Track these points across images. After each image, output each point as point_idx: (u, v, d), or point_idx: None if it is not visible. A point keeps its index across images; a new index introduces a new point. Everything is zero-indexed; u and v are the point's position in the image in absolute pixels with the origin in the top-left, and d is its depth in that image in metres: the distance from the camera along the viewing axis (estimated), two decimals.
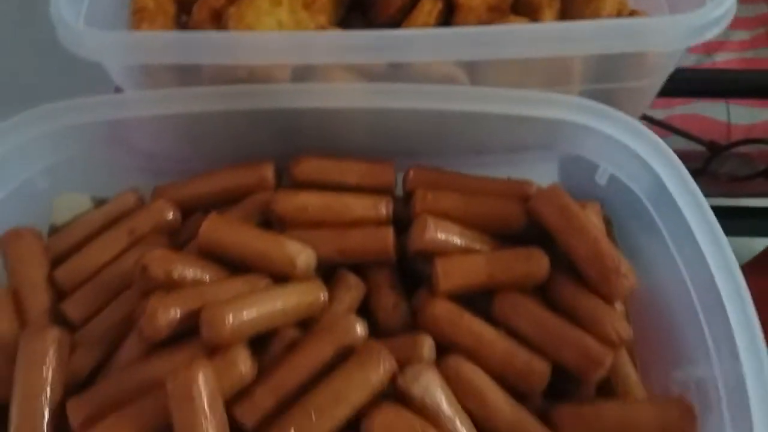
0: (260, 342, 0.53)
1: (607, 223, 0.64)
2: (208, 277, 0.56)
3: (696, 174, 0.87)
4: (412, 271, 0.63)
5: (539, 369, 0.53)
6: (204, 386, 0.45)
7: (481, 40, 0.55)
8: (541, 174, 0.67)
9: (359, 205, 0.62)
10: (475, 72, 0.63)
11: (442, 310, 0.56)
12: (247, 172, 0.66)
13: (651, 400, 0.54)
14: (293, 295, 0.55)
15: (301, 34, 0.60)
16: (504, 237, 0.62)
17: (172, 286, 0.53)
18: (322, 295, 0.56)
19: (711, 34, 0.55)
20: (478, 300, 0.58)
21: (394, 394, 0.50)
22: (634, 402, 0.54)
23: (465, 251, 0.59)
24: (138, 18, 0.66)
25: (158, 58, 0.58)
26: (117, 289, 0.58)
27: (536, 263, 0.57)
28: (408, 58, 0.58)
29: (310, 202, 0.62)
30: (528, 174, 0.66)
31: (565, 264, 0.59)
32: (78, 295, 0.58)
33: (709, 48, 1.07)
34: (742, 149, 0.94)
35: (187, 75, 0.62)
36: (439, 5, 0.66)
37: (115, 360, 0.54)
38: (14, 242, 0.61)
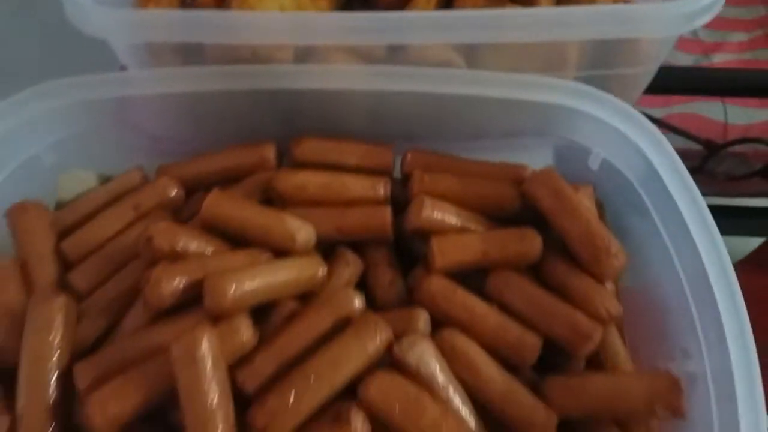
0: (261, 313, 0.55)
1: (599, 206, 0.66)
2: (210, 250, 0.57)
3: (693, 172, 0.88)
4: (408, 251, 0.64)
5: (530, 342, 0.55)
6: (208, 349, 0.47)
7: (480, 23, 0.57)
8: (537, 160, 0.69)
9: (358, 185, 0.64)
10: (472, 57, 0.65)
11: (438, 285, 0.57)
12: (249, 152, 0.67)
13: (638, 373, 0.56)
14: (293, 268, 0.57)
15: (303, 14, 0.62)
16: (499, 219, 0.64)
17: (175, 257, 0.55)
18: (321, 270, 0.58)
19: (702, 21, 0.57)
20: (473, 279, 0.60)
21: (390, 363, 0.52)
22: (622, 374, 0.56)
23: (460, 231, 0.61)
24: None
25: (162, 36, 0.60)
26: (122, 261, 0.60)
27: (529, 242, 0.59)
28: (408, 40, 0.59)
29: (311, 180, 0.63)
30: (523, 159, 0.68)
31: (557, 246, 0.61)
32: (84, 266, 0.60)
33: (707, 49, 1.08)
34: (739, 149, 0.95)
35: (191, 55, 0.64)
36: None
37: (120, 328, 0.56)
38: (21, 215, 0.62)
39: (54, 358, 0.52)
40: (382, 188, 0.64)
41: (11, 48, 0.96)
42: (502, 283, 0.58)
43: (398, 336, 0.53)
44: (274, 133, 0.68)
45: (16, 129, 0.63)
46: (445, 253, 0.58)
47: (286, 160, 0.68)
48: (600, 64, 0.64)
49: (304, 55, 0.64)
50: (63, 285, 0.59)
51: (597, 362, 0.57)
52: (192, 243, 0.57)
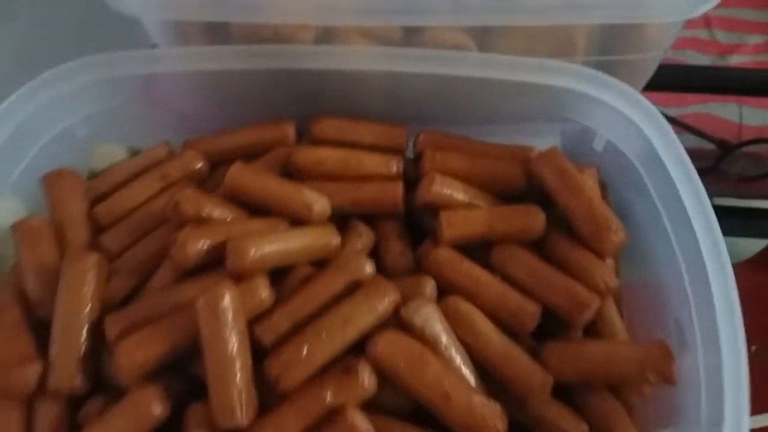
0: (279, 277, 0.59)
1: (603, 187, 0.69)
2: (232, 217, 0.61)
3: (706, 172, 0.90)
4: (418, 227, 0.68)
5: (530, 310, 0.58)
6: (229, 302, 0.51)
7: (493, 7, 0.60)
8: (545, 144, 0.71)
9: (373, 162, 0.68)
10: (484, 42, 0.68)
11: (445, 256, 0.61)
12: (270, 129, 0.71)
13: (632, 341, 0.59)
14: (309, 236, 0.60)
15: None
16: (506, 197, 0.67)
17: (200, 221, 0.59)
18: (335, 239, 0.61)
19: (709, 6, 0.59)
20: (478, 253, 0.63)
21: (397, 325, 0.55)
22: (616, 342, 0.59)
23: (468, 206, 0.65)
24: None
25: (190, 14, 0.63)
26: (150, 226, 0.63)
27: (533, 218, 0.62)
28: (423, 22, 0.63)
29: (328, 156, 0.67)
30: (532, 144, 0.71)
31: (561, 224, 0.64)
32: (115, 230, 0.64)
33: (724, 51, 1.09)
34: (753, 149, 0.96)
35: (218, 35, 0.67)
36: None
37: (148, 287, 0.60)
38: (57, 181, 0.66)
39: (86, 311, 0.56)
40: (395, 165, 0.68)
41: (49, 28, 1.01)
42: (506, 256, 0.61)
43: (406, 301, 0.56)
44: (295, 113, 0.72)
45: (52, 102, 0.67)
46: (453, 225, 0.62)
47: (305, 137, 0.72)
48: (607, 49, 0.67)
49: (325, 37, 0.67)
50: (95, 247, 0.63)
51: (594, 332, 0.60)
52: (216, 210, 0.60)
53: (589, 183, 0.65)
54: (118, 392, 0.54)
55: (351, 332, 0.53)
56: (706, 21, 1.12)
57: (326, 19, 0.63)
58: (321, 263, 0.61)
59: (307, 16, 0.63)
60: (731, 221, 0.95)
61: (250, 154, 0.70)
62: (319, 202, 0.62)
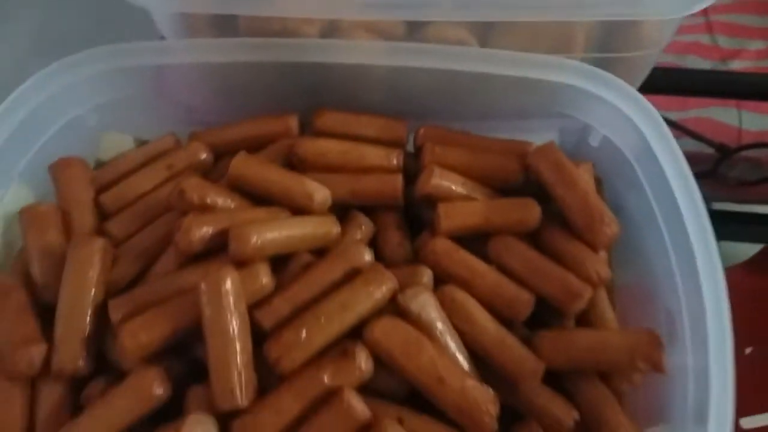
0: (279, 265, 0.60)
1: (598, 182, 0.70)
2: (235, 205, 0.63)
3: (705, 176, 0.91)
4: (417, 219, 0.69)
5: (524, 299, 0.59)
6: (231, 285, 0.52)
7: (495, 3, 0.62)
8: (543, 141, 0.73)
9: (373, 155, 0.69)
10: (485, 38, 0.69)
11: (442, 246, 0.62)
12: (274, 122, 0.73)
13: (623, 330, 0.61)
14: (310, 225, 0.62)
15: None
16: (503, 191, 0.68)
17: (204, 209, 0.60)
18: (335, 228, 0.63)
19: (705, 4, 0.61)
20: (476, 245, 0.65)
21: (394, 311, 0.57)
22: (607, 331, 0.60)
23: (466, 199, 0.66)
24: None
25: (198, 6, 0.65)
26: (155, 214, 0.65)
27: (529, 211, 0.64)
28: (425, 17, 0.64)
29: (330, 148, 0.68)
30: (531, 140, 0.72)
31: (556, 218, 0.65)
32: (120, 217, 0.65)
33: (725, 56, 1.09)
34: (752, 154, 0.96)
35: (226, 28, 0.69)
36: None
37: (152, 272, 0.61)
38: (64, 169, 0.68)
39: (91, 293, 0.58)
40: (395, 158, 0.69)
41: (62, 18, 1.03)
42: (502, 247, 0.63)
43: (403, 289, 0.58)
44: (298, 105, 0.73)
45: (63, 90, 0.69)
46: (451, 216, 0.63)
47: (308, 130, 0.73)
48: (605, 47, 0.69)
49: (330, 31, 0.69)
50: (100, 233, 0.65)
51: (586, 323, 0.61)
52: (219, 198, 0.62)
53: (585, 177, 0.66)
54: (120, 374, 0.55)
55: (349, 317, 0.54)
56: (708, 26, 1.13)
57: (331, 13, 0.65)
58: (321, 252, 0.62)
59: (312, 10, 0.64)
60: (730, 226, 0.97)
61: (254, 146, 0.71)
62: (320, 193, 0.63)
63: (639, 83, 0.73)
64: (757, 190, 0.98)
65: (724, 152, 0.94)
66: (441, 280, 0.61)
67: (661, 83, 0.83)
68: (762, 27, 1.12)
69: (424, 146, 0.69)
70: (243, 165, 0.64)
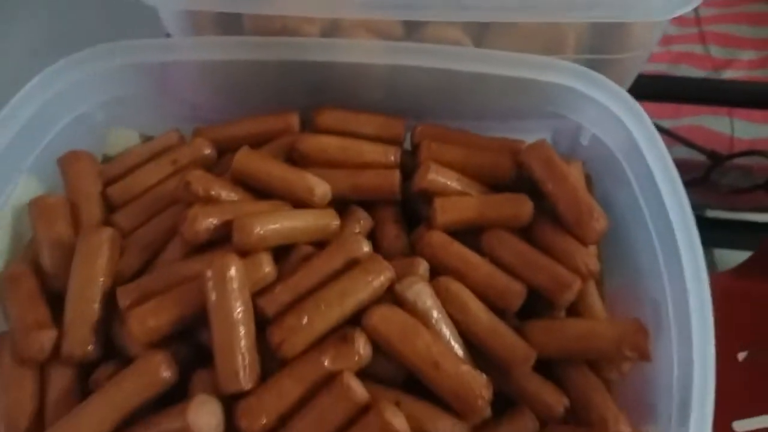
0: (281, 256, 0.63)
1: (588, 179, 0.73)
2: (239, 198, 0.65)
3: (696, 183, 0.93)
4: (414, 214, 0.72)
5: (516, 289, 0.62)
6: (235, 272, 0.55)
7: (490, 5, 0.64)
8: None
9: (372, 151, 0.72)
10: (480, 39, 0.72)
11: (438, 239, 0.65)
12: (275, 119, 0.75)
13: (611, 319, 0.63)
14: (311, 218, 0.64)
15: None
16: (497, 188, 0.71)
17: (209, 201, 0.63)
18: (335, 221, 0.65)
19: (690, 7, 0.63)
20: (470, 239, 0.67)
21: (391, 300, 0.59)
22: (596, 320, 0.63)
23: (461, 194, 0.69)
24: None
25: (204, 4, 0.67)
26: (161, 206, 0.67)
27: (521, 206, 0.66)
28: (422, 17, 0.67)
29: (330, 144, 0.71)
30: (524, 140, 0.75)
31: (547, 214, 0.67)
32: (127, 209, 0.68)
33: (718, 65, 1.11)
34: (744, 162, 0.98)
35: (230, 27, 0.71)
36: None
37: (159, 261, 0.63)
38: (73, 162, 0.70)
39: (99, 281, 0.60)
40: (393, 155, 0.72)
41: (70, 15, 1.06)
42: (495, 240, 0.65)
43: (400, 279, 0.60)
44: (300, 103, 0.76)
45: (71, 87, 0.71)
46: (446, 211, 0.66)
47: (309, 127, 0.75)
48: (595, 48, 0.71)
49: (330, 31, 0.71)
50: (107, 224, 0.67)
51: (575, 314, 0.64)
52: (223, 191, 0.64)
53: (575, 174, 0.69)
54: (128, 360, 0.58)
55: (348, 305, 0.57)
56: (701, 36, 1.15)
57: (330, 12, 0.67)
58: (321, 245, 0.64)
59: (312, 8, 0.66)
60: (721, 233, 0.99)
61: (256, 143, 0.73)
62: (320, 187, 0.66)
63: (628, 84, 0.76)
64: (748, 198, 1.00)
65: (716, 160, 0.96)
66: (436, 271, 0.63)
67: (655, 91, 0.86)
68: (754, 37, 1.15)
69: (421, 143, 0.72)
70: (246, 159, 0.66)
